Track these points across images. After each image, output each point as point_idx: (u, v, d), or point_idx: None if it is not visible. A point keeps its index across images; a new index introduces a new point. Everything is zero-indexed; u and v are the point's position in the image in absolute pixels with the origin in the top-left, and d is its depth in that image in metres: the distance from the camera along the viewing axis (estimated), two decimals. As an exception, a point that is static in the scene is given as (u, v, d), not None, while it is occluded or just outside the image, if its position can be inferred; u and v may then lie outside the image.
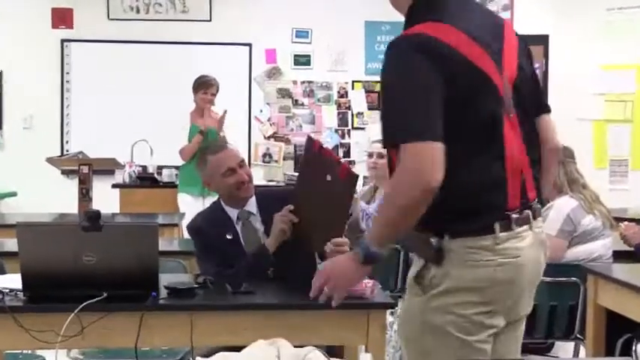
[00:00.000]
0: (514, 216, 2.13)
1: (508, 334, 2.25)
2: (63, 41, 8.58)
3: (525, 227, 2.16)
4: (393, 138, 2.09)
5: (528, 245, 2.17)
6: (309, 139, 3.19)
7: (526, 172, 2.20)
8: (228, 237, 3.42)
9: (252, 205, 3.47)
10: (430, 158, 2.00)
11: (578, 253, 4.13)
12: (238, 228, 3.45)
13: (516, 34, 2.30)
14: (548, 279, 3.85)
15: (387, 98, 2.11)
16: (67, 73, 8.59)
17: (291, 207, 3.23)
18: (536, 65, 8.74)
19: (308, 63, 8.72)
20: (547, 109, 2.36)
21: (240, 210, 3.47)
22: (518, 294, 2.19)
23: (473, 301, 2.13)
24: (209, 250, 3.41)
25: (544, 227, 3.90)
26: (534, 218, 2.19)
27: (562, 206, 4.17)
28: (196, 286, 3.03)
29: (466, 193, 2.11)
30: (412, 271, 2.25)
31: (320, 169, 2.99)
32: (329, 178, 2.92)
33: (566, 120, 8.67)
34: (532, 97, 2.29)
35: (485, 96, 2.12)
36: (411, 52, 2.06)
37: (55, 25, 8.59)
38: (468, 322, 2.14)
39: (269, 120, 8.82)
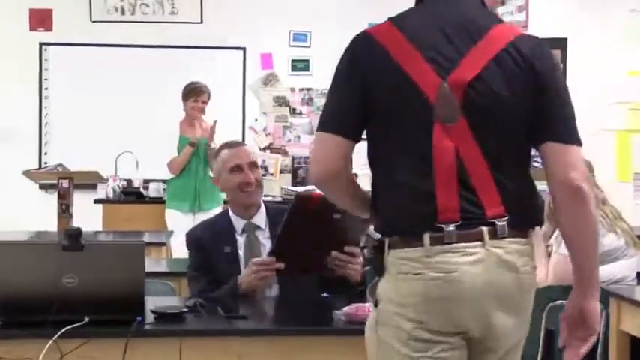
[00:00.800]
0: (449, 229, 2.18)
1: None
2: (41, 45, 8.60)
3: (473, 244, 2.19)
4: None
5: (472, 262, 2.18)
6: (304, 199, 3.19)
7: (480, 186, 2.22)
8: (226, 250, 3.46)
9: (261, 219, 3.53)
10: (325, 149, 2.26)
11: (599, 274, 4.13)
12: (241, 240, 3.50)
13: (519, 52, 2.26)
14: (566, 302, 3.85)
15: None
16: (46, 79, 8.61)
17: (273, 259, 3.25)
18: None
19: (307, 68, 8.74)
20: (553, 137, 2.28)
21: (246, 222, 3.51)
22: (464, 315, 2.20)
23: (408, 316, 2.20)
24: (202, 267, 3.46)
25: (561, 248, 3.87)
26: (497, 237, 2.21)
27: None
28: (185, 309, 3.04)
29: (394, 203, 2.24)
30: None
31: (320, 216, 3.06)
32: (337, 216, 2.99)
33: (585, 130, 8.69)
34: (534, 118, 2.27)
35: (407, 102, 2.22)
36: (348, 48, 2.32)
37: (32, 28, 8.62)
38: (410, 337, 2.20)
39: (264, 130, 8.84)
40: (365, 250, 2.40)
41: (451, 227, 2.18)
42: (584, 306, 2.36)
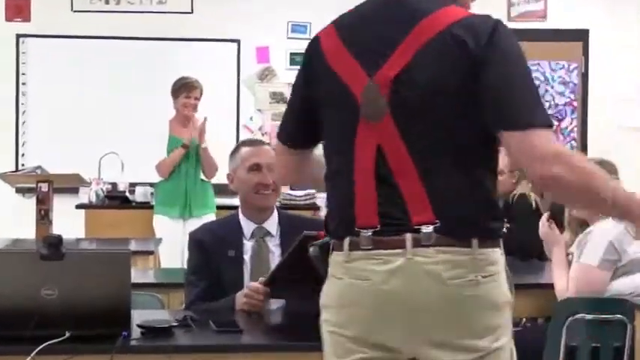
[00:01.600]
0: (366, 234, 2.23)
1: None
2: (18, 36, 8.61)
3: (392, 251, 2.20)
4: None
5: (389, 271, 2.20)
6: (311, 239, 3.20)
7: (407, 188, 2.21)
8: (230, 254, 3.51)
9: (272, 224, 3.60)
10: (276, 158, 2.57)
11: (624, 286, 4.14)
12: (249, 245, 3.55)
13: (453, 36, 2.20)
14: (589, 316, 3.86)
15: None
16: (23, 73, 8.62)
17: (267, 290, 3.31)
18: (574, 65, 8.78)
19: (306, 62, 8.73)
20: (505, 124, 2.18)
21: (257, 226, 3.57)
22: (381, 327, 2.23)
23: (330, 320, 2.31)
24: (201, 270, 3.51)
25: (583, 257, 3.86)
26: (421, 245, 2.19)
27: (603, 232, 4.17)
28: (175, 324, 3.04)
29: (328, 205, 2.40)
30: None
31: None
32: None
33: (607, 128, 8.75)
34: (485, 108, 2.20)
35: (337, 102, 2.33)
36: (304, 53, 2.48)
37: (8, 18, 8.63)
38: (333, 342, 2.31)
39: (260, 129, 8.85)
40: (311, 249, 2.46)
41: (368, 233, 2.23)
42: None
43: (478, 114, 2.19)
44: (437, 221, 2.20)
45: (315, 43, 2.42)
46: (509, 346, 2.28)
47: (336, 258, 2.30)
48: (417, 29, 2.23)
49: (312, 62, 2.41)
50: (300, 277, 3.18)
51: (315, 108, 2.39)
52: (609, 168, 4.30)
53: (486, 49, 2.20)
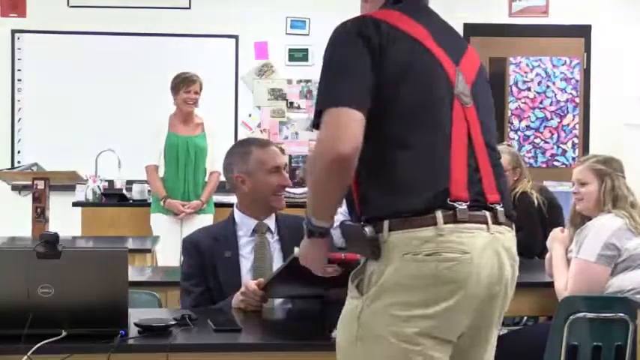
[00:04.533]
0: (461, 207, 2.28)
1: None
2: (14, 32, 8.61)
3: (479, 225, 2.30)
4: (316, 107, 2.38)
5: (481, 246, 2.29)
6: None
7: (484, 169, 2.39)
8: (227, 255, 3.53)
9: (271, 222, 3.65)
10: (343, 125, 2.28)
11: (624, 282, 4.14)
12: (247, 242, 3.58)
13: (480, 64, 2.60)
14: (590, 315, 3.86)
15: (320, 73, 2.43)
16: (19, 69, 8.62)
17: (262, 293, 3.32)
18: (576, 61, 8.79)
19: (305, 58, 8.75)
20: None
21: (258, 222, 3.61)
22: (469, 302, 2.28)
23: (412, 301, 2.25)
24: (196, 275, 3.52)
25: (581, 253, 3.91)
26: (496, 223, 2.35)
27: (602, 226, 4.18)
28: (173, 322, 3.04)
29: (404, 172, 2.31)
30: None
31: None
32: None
33: (611, 126, 8.75)
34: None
35: (429, 75, 2.40)
36: (351, 30, 2.39)
37: (4, 13, 8.63)
38: (409, 326, 2.25)
39: (259, 126, 8.84)
40: (366, 229, 2.39)
41: (462, 206, 2.29)
42: None
43: None
44: (501, 202, 2.39)
45: (375, 22, 2.41)
46: None
47: (418, 233, 2.26)
48: (469, 52, 2.56)
49: (386, 36, 2.38)
50: (298, 283, 3.19)
51: (385, 76, 2.36)
52: (616, 165, 4.30)
53: None
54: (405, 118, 2.35)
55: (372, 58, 2.35)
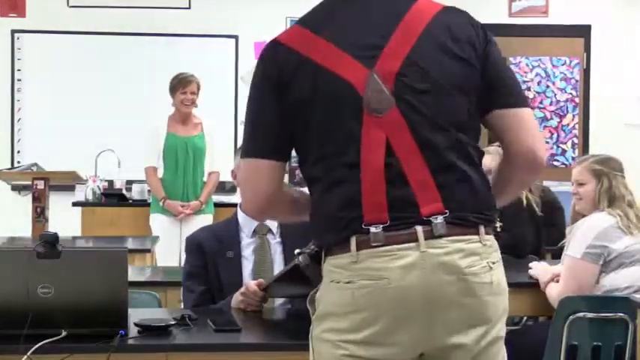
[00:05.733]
0: (375, 231, 2.19)
1: None
2: (13, 32, 8.61)
3: (403, 245, 2.19)
4: None
5: (403, 267, 2.18)
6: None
7: (416, 179, 2.23)
8: (229, 255, 3.55)
9: (272, 223, 3.64)
10: (250, 179, 2.38)
11: (618, 280, 4.13)
12: (249, 243, 3.59)
13: (441, 14, 2.34)
14: (590, 315, 3.86)
15: None
16: (19, 69, 8.62)
17: (262, 294, 3.34)
18: (576, 61, 8.79)
19: (305, 58, 8.73)
20: (508, 103, 2.36)
21: (259, 223, 3.61)
22: (403, 324, 2.20)
23: (340, 328, 2.24)
24: (198, 274, 3.54)
25: (568, 250, 3.89)
26: (434, 237, 2.20)
27: (591, 224, 4.18)
28: (172, 322, 3.04)
29: (323, 206, 2.29)
30: None
31: None
32: None
33: (611, 126, 8.75)
34: (482, 89, 2.33)
35: (335, 100, 2.25)
36: (257, 72, 2.37)
37: (3, 13, 8.63)
38: (343, 351, 2.23)
39: (259, 126, 8.82)
40: (300, 258, 2.45)
41: (377, 229, 2.19)
42: None
43: (476, 102, 2.32)
44: (446, 211, 2.22)
45: (278, 49, 2.34)
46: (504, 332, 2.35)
47: (337, 262, 2.24)
48: (408, 18, 2.30)
49: (285, 68, 2.30)
50: (298, 285, 3.20)
51: (292, 116, 2.30)
52: (614, 165, 4.30)
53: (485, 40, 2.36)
54: (317, 151, 2.29)
55: (279, 95, 2.30)
